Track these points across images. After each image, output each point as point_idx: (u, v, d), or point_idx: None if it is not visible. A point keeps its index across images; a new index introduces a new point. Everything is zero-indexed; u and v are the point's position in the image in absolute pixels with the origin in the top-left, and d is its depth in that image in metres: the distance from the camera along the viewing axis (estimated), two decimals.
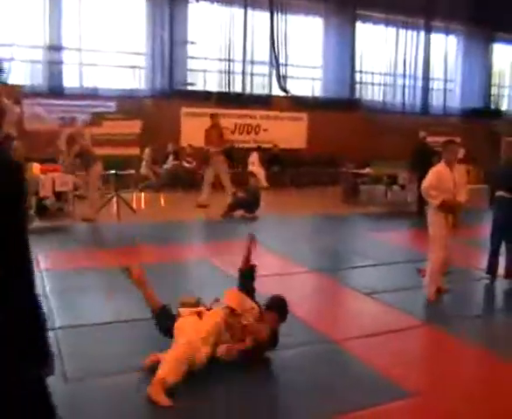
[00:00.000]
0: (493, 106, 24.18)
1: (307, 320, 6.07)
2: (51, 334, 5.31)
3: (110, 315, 6.01)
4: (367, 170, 16.34)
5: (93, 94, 16.64)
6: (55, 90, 16.38)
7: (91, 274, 7.76)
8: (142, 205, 13.92)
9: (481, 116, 23.22)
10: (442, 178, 6.85)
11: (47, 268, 7.91)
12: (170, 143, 17.29)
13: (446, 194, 6.85)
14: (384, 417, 4.19)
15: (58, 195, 12.11)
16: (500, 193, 7.68)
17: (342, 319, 5.62)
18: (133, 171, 14.53)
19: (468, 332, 5.99)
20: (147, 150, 15.83)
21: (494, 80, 24.24)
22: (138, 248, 9.60)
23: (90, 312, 6.14)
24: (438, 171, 6.90)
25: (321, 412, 4.16)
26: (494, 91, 24.26)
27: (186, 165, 17.33)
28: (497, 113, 24.11)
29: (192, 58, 18.32)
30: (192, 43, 18.06)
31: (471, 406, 4.37)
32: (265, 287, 7.20)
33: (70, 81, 16.79)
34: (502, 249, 7.84)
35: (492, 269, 7.87)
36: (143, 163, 15.93)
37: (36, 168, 11.88)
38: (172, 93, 17.64)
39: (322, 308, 6.90)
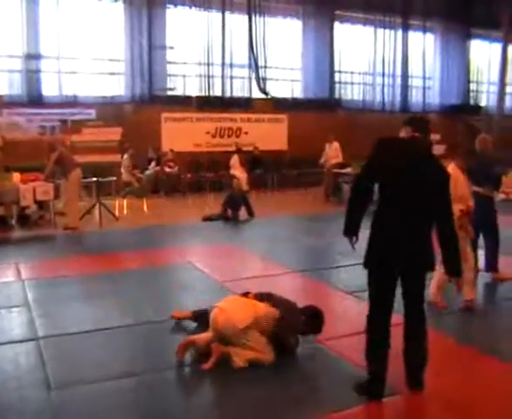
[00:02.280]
0: (472, 103, 24.35)
1: None
2: (33, 344, 5.34)
3: (93, 323, 5.98)
4: (349, 169, 16.39)
5: (72, 102, 16.56)
6: (34, 99, 16.27)
7: (73, 282, 7.72)
8: (125, 212, 13.87)
9: (460, 112, 23.41)
10: (457, 184, 6.30)
11: (29, 277, 7.87)
12: (150, 148, 17.24)
13: (462, 202, 6.40)
14: (368, 416, 4.21)
15: (40, 204, 12.05)
16: (475, 189, 7.70)
17: (326, 318, 5.62)
18: (114, 178, 14.48)
19: (452, 327, 6.04)
20: (126, 156, 15.73)
21: (473, 77, 24.42)
22: (121, 254, 9.58)
23: (73, 321, 6.09)
24: (453, 176, 5.65)
25: (306, 411, 4.17)
26: (472, 87, 24.43)
27: (168, 170, 17.29)
28: (476, 109, 24.29)
29: (171, 63, 18.27)
30: (171, 48, 18.03)
31: (456, 405, 4.40)
32: (248, 289, 7.22)
33: (49, 90, 16.68)
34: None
35: None
36: (122, 169, 15.81)
37: (16, 177, 11.81)
38: (152, 99, 17.60)
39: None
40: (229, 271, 8.34)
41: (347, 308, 6.82)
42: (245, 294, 5.63)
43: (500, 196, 8.04)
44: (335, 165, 16.64)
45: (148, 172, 16.96)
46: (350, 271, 7.89)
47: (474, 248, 7.82)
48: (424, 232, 4.24)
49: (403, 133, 4.41)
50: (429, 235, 4.28)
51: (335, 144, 16.84)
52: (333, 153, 16.77)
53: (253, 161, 18.19)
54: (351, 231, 4.32)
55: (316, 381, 4.72)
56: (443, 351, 5.36)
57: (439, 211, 4.26)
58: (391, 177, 4.20)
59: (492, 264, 7.82)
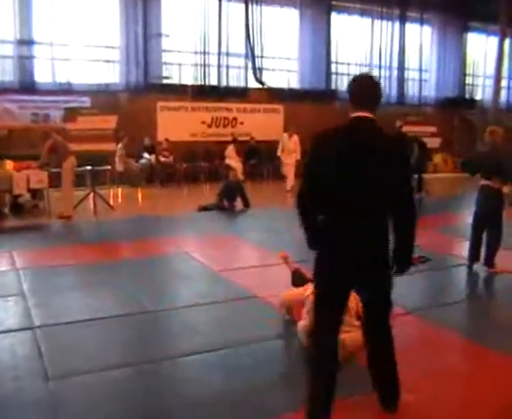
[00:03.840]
0: (467, 96, 24.33)
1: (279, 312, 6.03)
2: (29, 333, 5.28)
3: (90, 312, 5.92)
4: None
5: (66, 89, 16.38)
6: (27, 86, 16.05)
7: (69, 271, 7.65)
8: (120, 201, 13.79)
9: (456, 105, 23.40)
10: None
11: (24, 266, 7.79)
12: (147, 137, 17.12)
13: None
14: (365, 407, 4.15)
15: (34, 193, 11.96)
16: (483, 182, 7.68)
17: None
18: (109, 167, 14.39)
19: (450, 319, 6.01)
20: (120, 144, 15.63)
21: (469, 70, 24.40)
22: (116, 244, 9.52)
23: (69, 310, 6.04)
24: None
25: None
26: (468, 80, 24.41)
27: (163, 159, 17.20)
28: (471, 102, 24.28)
29: (167, 51, 18.14)
30: (166, 36, 17.89)
31: (453, 396, 4.38)
32: (244, 279, 7.21)
33: (42, 76, 16.47)
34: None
35: (473, 256, 7.92)
36: (116, 159, 15.71)
37: (9, 164, 11.71)
38: (147, 87, 17.46)
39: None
40: (225, 260, 8.30)
41: None
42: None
43: (507, 190, 7.99)
44: (294, 164, 15.74)
45: (142, 161, 16.85)
46: None
47: (477, 242, 7.83)
48: (385, 236, 3.58)
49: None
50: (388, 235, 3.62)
51: (295, 138, 16.19)
52: (292, 146, 16.13)
53: (249, 151, 18.14)
54: (315, 243, 3.65)
55: None
56: (437, 341, 5.35)
57: (397, 197, 3.52)
58: (337, 177, 3.43)
59: (490, 259, 7.80)
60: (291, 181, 15.59)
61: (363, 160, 3.38)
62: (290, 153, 16.05)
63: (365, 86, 3.58)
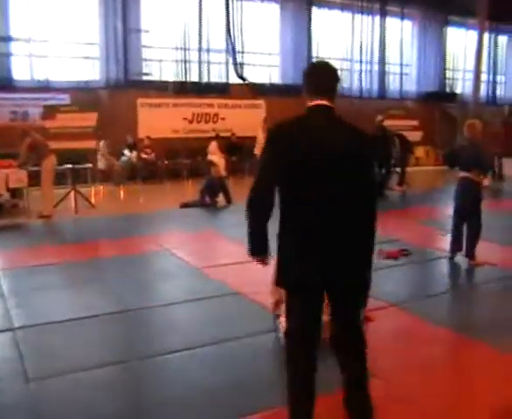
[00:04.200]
0: (448, 89, 24.47)
1: (268, 307, 6.00)
2: (9, 335, 5.21)
3: (70, 312, 5.86)
4: None
5: (44, 87, 16.20)
6: (4, 83, 15.82)
7: (49, 271, 7.55)
8: (101, 199, 13.70)
9: (437, 99, 23.53)
10: None
11: (3, 267, 7.70)
12: (129, 135, 17.00)
13: None
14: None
15: (13, 192, 11.80)
16: (462, 174, 7.77)
17: None
18: (90, 165, 14.27)
19: (431, 311, 6.04)
20: (102, 143, 15.55)
21: (449, 64, 24.53)
22: (98, 243, 9.45)
23: (50, 310, 5.96)
24: None
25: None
26: (448, 74, 24.54)
27: (144, 157, 17.11)
28: (452, 96, 24.42)
29: (147, 47, 18.01)
30: (146, 31, 17.77)
31: (436, 388, 4.39)
32: (227, 276, 7.18)
33: (20, 73, 16.26)
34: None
35: (454, 248, 8.01)
36: (99, 156, 15.63)
37: None
38: (128, 84, 17.31)
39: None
40: (208, 257, 8.28)
41: None
42: None
43: (486, 182, 8.08)
44: None
45: (123, 159, 16.75)
46: None
47: (458, 234, 7.91)
48: (354, 233, 3.15)
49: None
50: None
51: None
52: None
53: (230, 147, 18.08)
54: (261, 250, 3.30)
55: None
56: (423, 335, 5.37)
57: (359, 203, 3.15)
58: (296, 171, 3.08)
59: (470, 251, 7.86)
60: None
61: (322, 153, 3.07)
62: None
63: (322, 72, 3.29)
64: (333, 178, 3.07)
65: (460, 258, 7.96)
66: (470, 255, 7.85)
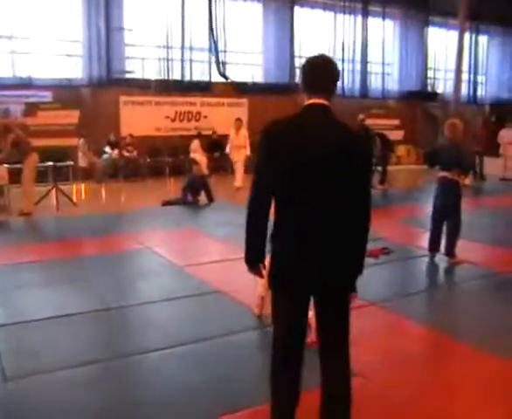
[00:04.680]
0: (429, 89, 24.63)
1: (249, 305, 6.04)
2: None
3: (50, 310, 5.85)
4: None
5: (26, 84, 16.06)
6: None
7: (29, 269, 7.52)
8: (83, 197, 13.64)
9: (418, 98, 23.69)
10: None
11: None
12: (111, 133, 16.93)
13: None
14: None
15: None
16: (442, 174, 7.85)
17: None
18: (72, 162, 14.20)
19: (412, 309, 6.12)
20: (82, 141, 15.46)
21: (430, 63, 24.68)
22: (79, 241, 9.42)
23: (30, 308, 5.95)
24: None
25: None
26: (430, 74, 24.70)
27: (127, 154, 17.05)
28: (433, 95, 24.59)
29: (130, 45, 17.93)
30: (129, 30, 17.70)
31: (415, 384, 4.44)
32: (208, 274, 7.20)
33: (2, 70, 16.08)
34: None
35: (433, 247, 8.10)
36: (80, 155, 15.56)
37: None
38: (110, 82, 17.23)
39: (269, 293, 6.88)
40: (190, 255, 8.27)
41: None
42: None
43: (467, 181, 8.18)
44: (243, 160, 14.89)
45: (105, 156, 16.68)
46: None
47: (437, 232, 8.01)
48: (350, 232, 3.08)
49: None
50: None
51: (243, 132, 15.26)
52: (240, 141, 15.06)
53: (212, 145, 18.07)
54: (257, 259, 3.19)
55: None
56: (403, 333, 5.42)
57: (354, 204, 3.07)
58: (292, 171, 2.99)
59: (450, 249, 7.95)
60: (239, 179, 14.78)
61: (318, 154, 2.96)
62: (239, 149, 15.07)
63: (320, 68, 3.11)
64: (329, 178, 2.99)
65: (440, 257, 8.05)
66: (450, 253, 7.95)
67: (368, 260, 7.86)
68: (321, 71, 3.11)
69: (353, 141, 3.11)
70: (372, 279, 7.27)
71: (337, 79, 3.16)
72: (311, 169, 2.98)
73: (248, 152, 14.89)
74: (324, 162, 2.97)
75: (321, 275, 3.08)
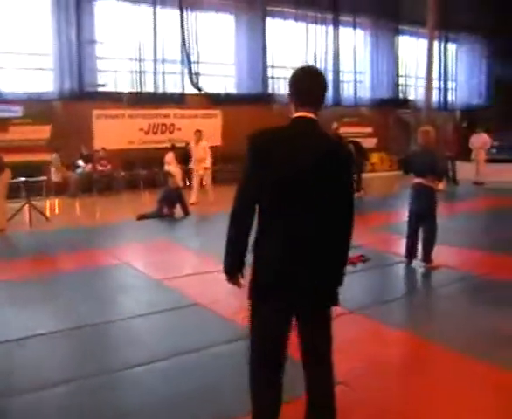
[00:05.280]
0: (401, 96, 24.89)
1: (228, 317, 6.00)
2: None
3: (26, 329, 5.71)
4: None
5: None
6: None
7: (2, 288, 7.37)
8: (56, 212, 13.48)
9: (390, 106, 23.93)
10: None
11: None
12: (83, 146, 16.77)
13: None
14: None
15: None
16: (417, 180, 7.91)
17: None
18: (45, 178, 14.03)
19: (390, 315, 6.13)
20: (54, 155, 15.31)
21: (402, 71, 24.97)
22: (54, 257, 9.28)
23: (3, 328, 5.80)
24: None
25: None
26: (401, 81, 24.98)
27: (100, 168, 16.91)
28: (405, 102, 24.86)
29: (102, 58, 17.85)
30: (101, 42, 17.61)
31: (398, 389, 4.44)
32: (186, 287, 7.14)
33: None
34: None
35: (410, 253, 8.14)
36: (53, 169, 15.40)
37: None
38: (82, 95, 17.12)
39: (243, 304, 6.83)
40: (167, 268, 8.19)
41: None
42: None
43: (441, 187, 8.26)
44: (203, 174, 14.70)
45: (78, 170, 16.52)
46: None
47: (413, 238, 8.06)
48: (330, 246, 3.08)
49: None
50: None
51: (204, 144, 14.83)
52: (200, 154, 14.67)
53: (186, 156, 17.98)
54: (237, 269, 3.15)
55: None
56: (384, 339, 5.43)
57: (340, 211, 3.10)
58: (279, 183, 2.97)
59: (427, 255, 8.00)
60: (195, 193, 14.62)
61: (308, 168, 2.98)
62: (199, 161, 14.74)
63: (309, 81, 3.10)
64: (317, 189, 2.99)
65: (417, 262, 8.09)
66: (427, 259, 8.00)
67: (346, 268, 7.89)
68: (311, 84, 3.10)
69: (338, 151, 3.12)
70: (351, 287, 7.23)
71: (326, 91, 3.16)
72: (300, 181, 2.97)
73: (209, 164, 14.69)
74: (313, 174, 2.97)
75: (311, 284, 3.06)
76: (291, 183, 2.98)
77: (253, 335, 3.22)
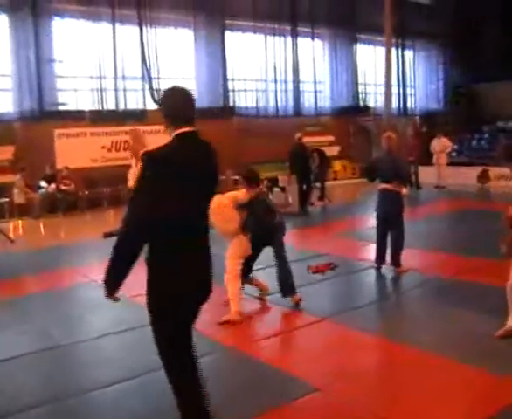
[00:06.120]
0: (361, 104, 25.19)
1: (203, 331, 6.01)
2: None
3: None
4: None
5: None
6: None
7: None
8: (20, 233, 13.30)
9: (351, 114, 24.21)
10: None
11: None
12: (47, 166, 16.58)
13: None
14: (290, 415, 4.22)
15: None
16: (383, 186, 8.03)
17: (235, 324, 5.66)
18: (7, 199, 13.85)
19: (363, 321, 6.21)
20: (18, 176, 15.14)
21: (361, 79, 25.28)
22: (20, 279, 9.15)
23: None
24: None
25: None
26: (361, 89, 25.29)
27: (64, 188, 16.73)
28: (365, 110, 25.17)
29: (61, 77, 17.67)
30: (60, 61, 17.46)
31: (374, 394, 4.51)
32: None
33: None
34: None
35: (380, 258, 8.25)
36: (16, 191, 15.22)
37: None
38: (43, 115, 16.90)
39: (214, 316, 6.84)
40: (137, 285, 8.09)
41: (259, 312, 6.90)
42: None
43: (405, 191, 8.39)
44: None
45: (41, 191, 16.33)
46: (258, 274, 7.87)
47: (382, 243, 8.17)
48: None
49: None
50: None
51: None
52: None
53: None
54: (120, 285, 3.37)
55: (237, 386, 4.68)
56: (357, 345, 5.51)
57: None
58: (175, 196, 3.18)
59: (396, 259, 8.14)
60: None
61: (197, 177, 3.28)
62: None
63: (185, 100, 3.41)
64: (204, 199, 3.41)
65: (386, 267, 8.21)
66: (396, 263, 8.12)
67: (315, 276, 8.02)
68: (186, 102, 3.39)
69: (215, 161, 3.51)
70: (321, 295, 7.40)
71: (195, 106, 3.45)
72: (192, 192, 3.25)
73: None
74: (202, 184, 3.34)
75: (204, 293, 3.47)
76: (184, 194, 3.22)
77: (177, 354, 3.61)
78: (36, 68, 16.72)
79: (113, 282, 3.32)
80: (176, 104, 3.36)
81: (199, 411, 3.50)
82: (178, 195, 3.18)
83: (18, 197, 15.31)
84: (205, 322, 6.25)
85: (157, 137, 18.81)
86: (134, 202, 3.21)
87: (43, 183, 16.40)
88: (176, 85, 3.50)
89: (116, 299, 3.39)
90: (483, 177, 19.07)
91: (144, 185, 3.16)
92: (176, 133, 3.31)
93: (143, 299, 7.23)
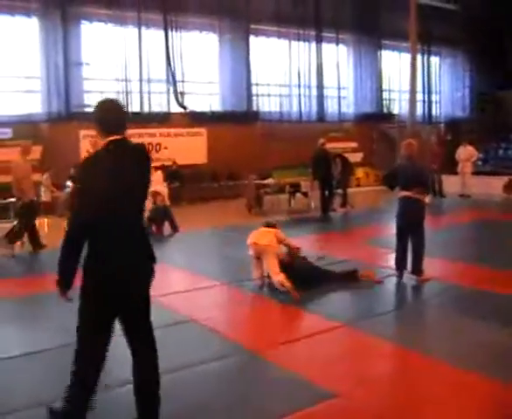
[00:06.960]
0: (385, 110, 25.09)
1: (221, 332, 6.09)
2: None
3: (19, 347, 5.78)
4: (269, 180, 16.59)
5: None
6: None
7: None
8: (46, 231, 13.46)
9: (375, 120, 24.11)
10: None
11: None
12: (72, 167, 16.78)
13: None
14: None
15: None
16: (404, 193, 7.97)
17: (256, 328, 5.71)
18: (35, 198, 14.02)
19: (382, 328, 6.22)
20: (45, 175, 15.42)
21: (385, 85, 25.20)
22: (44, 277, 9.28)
23: None
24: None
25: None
26: (385, 95, 25.20)
27: None
28: (389, 116, 25.05)
29: (88, 79, 17.98)
30: (87, 64, 17.73)
31: (392, 401, 4.53)
32: (176, 304, 7.20)
33: None
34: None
35: (400, 266, 8.17)
36: (43, 189, 15.47)
37: None
38: (70, 116, 17.22)
39: (236, 319, 6.92)
40: (157, 286, 8.09)
41: (276, 316, 6.96)
42: None
43: (427, 200, 8.32)
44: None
45: (67, 190, 16.53)
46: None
47: (403, 251, 8.10)
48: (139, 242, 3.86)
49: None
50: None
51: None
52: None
53: (171, 175, 18.06)
54: (69, 284, 3.68)
55: (252, 390, 4.72)
56: (377, 352, 5.53)
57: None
58: (110, 198, 3.57)
59: (417, 267, 8.06)
60: None
61: (129, 178, 3.63)
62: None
63: (117, 111, 3.79)
64: (133, 197, 3.72)
65: (408, 275, 8.14)
66: (417, 271, 8.03)
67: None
68: (118, 112, 3.80)
69: (147, 163, 3.89)
70: (343, 301, 7.41)
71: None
72: (124, 195, 3.61)
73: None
74: (133, 186, 3.66)
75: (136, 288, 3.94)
76: (117, 197, 3.59)
77: (82, 331, 3.96)
78: (64, 71, 17.06)
79: (67, 284, 3.65)
80: (106, 115, 3.71)
81: (87, 382, 3.94)
82: (107, 196, 3.54)
83: (45, 196, 15.56)
84: (228, 325, 6.37)
85: (181, 139, 19.15)
86: (73, 207, 3.67)
87: (69, 183, 16.60)
88: (107, 97, 3.97)
89: (69, 300, 3.71)
90: (510, 187, 18.87)
91: (79, 190, 3.72)
92: (105, 141, 3.66)
93: (162, 300, 7.40)
